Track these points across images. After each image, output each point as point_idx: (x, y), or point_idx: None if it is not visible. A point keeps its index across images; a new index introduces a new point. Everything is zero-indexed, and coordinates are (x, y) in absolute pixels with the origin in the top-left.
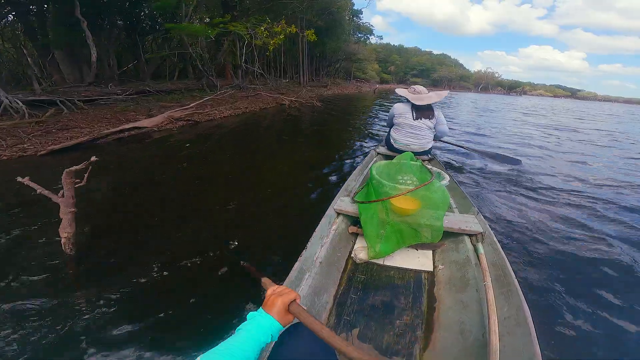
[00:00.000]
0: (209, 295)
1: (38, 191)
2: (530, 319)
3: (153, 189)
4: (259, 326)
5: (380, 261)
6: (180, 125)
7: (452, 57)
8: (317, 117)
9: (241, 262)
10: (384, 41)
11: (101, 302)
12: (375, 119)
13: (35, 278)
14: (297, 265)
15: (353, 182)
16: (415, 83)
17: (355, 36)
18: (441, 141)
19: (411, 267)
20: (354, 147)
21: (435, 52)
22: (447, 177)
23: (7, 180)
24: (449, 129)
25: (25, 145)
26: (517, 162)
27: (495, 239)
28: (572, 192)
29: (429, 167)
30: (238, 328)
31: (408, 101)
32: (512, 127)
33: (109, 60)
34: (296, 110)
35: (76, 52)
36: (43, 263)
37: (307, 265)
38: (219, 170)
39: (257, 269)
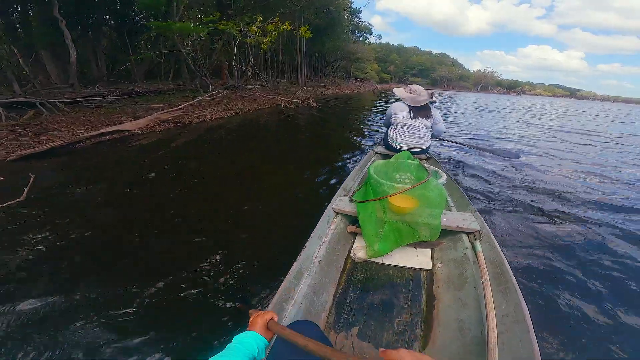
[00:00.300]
0: (202, 305)
1: None
2: (528, 316)
3: (129, 197)
4: (245, 341)
5: (379, 260)
6: (167, 128)
7: (452, 57)
8: (314, 117)
9: (236, 304)
10: (384, 41)
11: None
12: (374, 120)
13: None
14: (295, 264)
15: (351, 181)
16: (414, 83)
17: (354, 35)
18: (439, 139)
19: (410, 266)
20: (352, 148)
21: (434, 51)
22: (444, 176)
23: None
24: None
25: None
26: (516, 156)
27: (492, 236)
28: (571, 190)
29: (426, 165)
30: (227, 346)
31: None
32: (519, 130)
33: (97, 60)
34: (292, 111)
35: (62, 52)
36: None
37: (306, 265)
38: (206, 174)
39: (247, 305)
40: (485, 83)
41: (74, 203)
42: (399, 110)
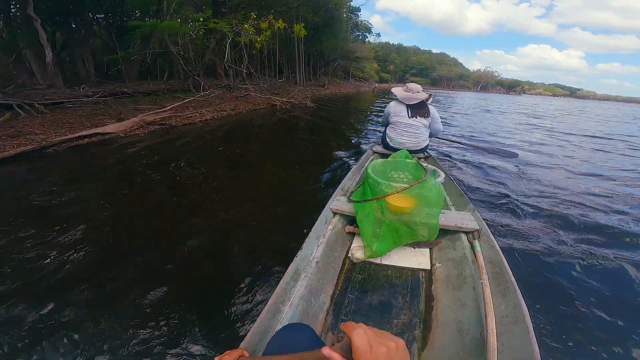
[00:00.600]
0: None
1: None
2: (528, 317)
3: (97, 206)
4: None
5: (377, 260)
6: (151, 131)
7: (451, 56)
8: (310, 118)
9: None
10: (383, 40)
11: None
12: (372, 120)
13: None
14: (292, 265)
15: (349, 181)
16: (413, 82)
17: (353, 34)
18: (437, 138)
19: (408, 266)
20: (350, 147)
21: (434, 51)
22: (443, 175)
23: None
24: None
25: None
26: (514, 155)
27: (492, 236)
28: (571, 189)
29: (424, 164)
30: None
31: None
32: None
33: (84, 60)
34: (288, 112)
35: (44, 51)
36: None
37: (303, 266)
38: (189, 179)
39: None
40: (485, 82)
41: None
42: (397, 110)
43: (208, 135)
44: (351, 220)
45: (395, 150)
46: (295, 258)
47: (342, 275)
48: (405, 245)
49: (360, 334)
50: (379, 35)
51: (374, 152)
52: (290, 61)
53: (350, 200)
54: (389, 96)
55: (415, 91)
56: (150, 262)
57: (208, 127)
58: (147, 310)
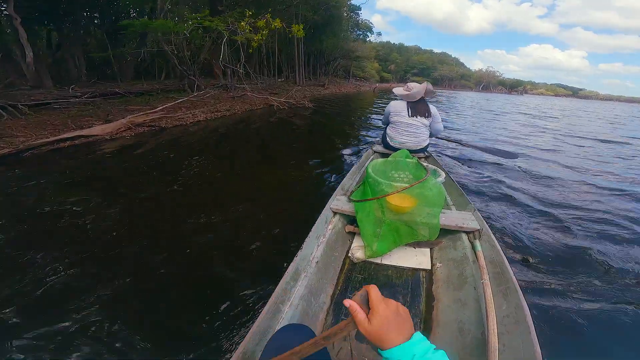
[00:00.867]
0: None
1: None
2: (529, 318)
3: (69, 214)
4: None
5: (377, 260)
6: (140, 133)
7: (453, 56)
8: (308, 119)
9: None
10: (384, 39)
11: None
12: (373, 121)
13: None
14: (292, 265)
15: (349, 180)
16: (414, 81)
17: (354, 33)
18: (438, 138)
19: (409, 266)
20: (350, 148)
21: (435, 50)
22: (443, 174)
23: None
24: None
25: None
26: (514, 155)
27: (492, 236)
28: (573, 189)
29: (425, 164)
30: None
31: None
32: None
33: (75, 60)
34: (286, 113)
35: (35, 52)
36: None
37: (303, 266)
38: (178, 182)
39: None
40: (487, 82)
41: None
42: (397, 109)
43: (199, 137)
44: (351, 219)
45: (395, 149)
46: (295, 258)
47: (342, 275)
48: (406, 245)
49: (376, 289)
50: (380, 34)
51: (374, 152)
52: (290, 60)
53: (350, 200)
54: (389, 96)
55: (415, 89)
56: (147, 263)
57: (200, 129)
58: (144, 311)
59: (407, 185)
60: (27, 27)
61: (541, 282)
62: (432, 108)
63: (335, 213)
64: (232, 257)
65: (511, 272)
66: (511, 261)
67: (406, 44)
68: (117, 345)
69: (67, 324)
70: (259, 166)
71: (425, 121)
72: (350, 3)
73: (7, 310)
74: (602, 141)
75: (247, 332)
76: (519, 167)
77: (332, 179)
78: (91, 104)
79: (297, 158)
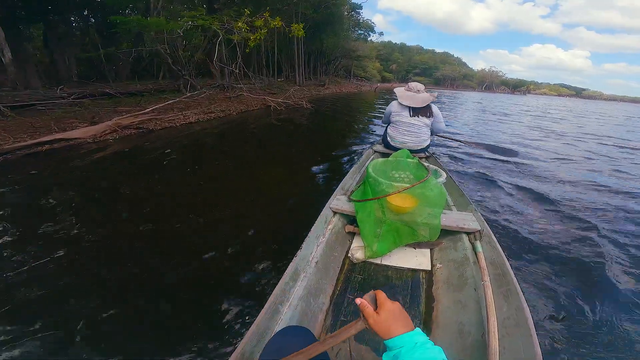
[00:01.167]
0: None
1: None
2: (530, 320)
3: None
4: None
5: (377, 260)
6: (125, 135)
7: (455, 56)
8: (308, 119)
9: None
10: (386, 39)
11: None
12: (373, 121)
13: None
14: (291, 265)
15: (350, 180)
16: (416, 81)
17: (355, 33)
18: (437, 135)
19: (409, 267)
20: (350, 149)
21: (437, 50)
22: (444, 174)
23: None
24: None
25: None
26: (514, 153)
27: (493, 237)
28: (577, 191)
29: (426, 164)
30: None
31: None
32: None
33: (65, 60)
34: (284, 113)
35: (21, 51)
36: None
37: (303, 266)
38: (165, 189)
39: None
40: (490, 82)
41: None
42: (398, 108)
43: (189, 139)
44: (351, 219)
45: (396, 149)
46: (294, 258)
47: (341, 276)
48: (406, 245)
49: (382, 292)
50: (382, 34)
51: (375, 152)
52: (290, 60)
53: (350, 200)
54: (390, 96)
55: (415, 90)
56: (146, 264)
57: (190, 132)
58: (142, 312)
59: (408, 185)
60: (9, 26)
61: (543, 284)
62: (434, 107)
63: (335, 213)
64: (231, 258)
65: (512, 273)
66: (512, 263)
67: (408, 43)
68: (116, 345)
69: (64, 325)
70: (253, 168)
71: (427, 121)
72: (351, 2)
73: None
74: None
75: (246, 332)
76: (522, 167)
77: (332, 180)
78: (78, 105)
79: (295, 158)
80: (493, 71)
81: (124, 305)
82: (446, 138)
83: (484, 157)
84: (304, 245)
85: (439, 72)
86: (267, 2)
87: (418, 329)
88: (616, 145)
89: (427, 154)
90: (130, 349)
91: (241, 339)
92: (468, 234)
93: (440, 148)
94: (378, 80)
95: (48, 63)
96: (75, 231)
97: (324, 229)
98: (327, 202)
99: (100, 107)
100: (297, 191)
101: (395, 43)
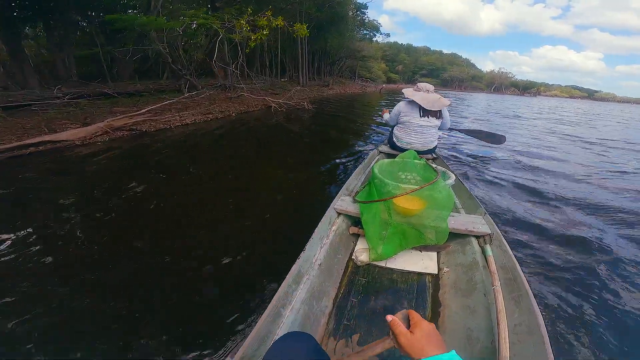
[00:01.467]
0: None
1: None
2: (543, 327)
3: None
4: None
5: (382, 263)
6: (117, 137)
7: (463, 57)
8: (311, 121)
9: None
10: (392, 40)
11: None
12: (378, 124)
13: None
14: (294, 267)
15: (354, 181)
16: (423, 82)
17: (360, 33)
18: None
19: (414, 270)
20: (353, 152)
21: (445, 51)
22: (453, 176)
23: None
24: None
25: None
26: (502, 139)
27: (504, 240)
28: (597, 197)
29: (434, 165)
30: None
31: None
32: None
33: (64, 59)
34: (286, 114)
35: (19, 51)
36: None
37: (306, 268)
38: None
39: None
40: (499, 84)
41: None
42: (407, 109)
43: (182, 142)
44: (356, 221)
45: (402, 150)
46: (297, 260)
47: (345, 278)
48: (412, 248)
49: (415, 312)
50: (388, 35)
51: (380, 152)
52: (294, 60)
53: (355, 201)
54: (395, 98)
55: (425, 90)
56: (146, 265)
57: (185, 133)
58: (142, 313)
59: (416, 187)
60: (7, 25)
61: (557, 290)
62: (444, 109)
63: (339, 214)
64: (233, 259)
65: (524, 278)
66: (524, 267)
67: (415, 44)
68: (115, 346)
69: (61, 327)
70: (248, 170)
71: (437, 122)
72: (356, 1)
73: None
74: None
75: (247, 336)
76: (538, 169)
77: (333, 181)
78: (73, 106)
79: (294, 160)
80: (502, 72)
81: (117, 308)
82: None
83: (494, 158)
84: (307, 246)
85: (447, 73)
86: (270, 1)
87: (453, 351)
88: None
89: (434, 155)
90: (128, 351)
91: (242, 342)
92: (477, 237)
93: (443, 150)
94: (383, 81)
95: (50, 63)
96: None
97: (328, 230)
98: (330, 203)
99: (95, 107)
100: (298, 193)
101: (402, 44)
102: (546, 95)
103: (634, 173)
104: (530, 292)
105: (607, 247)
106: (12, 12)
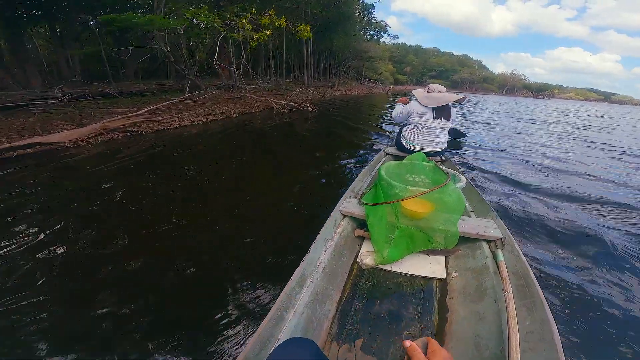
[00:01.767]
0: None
1: None
2: (557, 335)
3: None
4: None
5: (387, 267)
6: (110, 139)
7: (474, 59)
8: (313, 123)
9: None
10: (400, 41)
11: None
12: (383, 126)
13: None
14: (298, 270)
15: (360, 182)
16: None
17: (367, 34)
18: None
19: (421, 274)
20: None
21: (455, 53)
22: (464, 179)
23: None
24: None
25: None
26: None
27: (517, 245)
28: (618, 203)
29: (443, 168)
30: None
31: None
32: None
33: (68, 59)
34: (288, 116)
35: (21, 50)
36: None
37: (310, 271)
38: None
39: None
40: (512, 86)
41: None
42: (420, 110)
43: (175, 145)
44: (361, 223)
45: (410, 152)
46: (301, 262)
47: (349, 282)
48: (419, 252)
49: (434, 340)
50: (396, 37)
51: (387, 154)
52: (299, 60)
53: (361, 203)
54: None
55: (437, 91)
56: (147, 266)
57: (181, 135)
58: (143, 314)
59: (425, 189)
60: (10, 25)
61: (572, 299)
62: (453, 110)
63: (344, 216)
64: (236, 260)
65: (537, 285)
66: (537, 274)
67: (423, 45)
68: (114, 348)
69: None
70: (243, 173)
71: (448, 124)
72: (363, 2)
73: None
74: None
75: (248, 340)
76: (552, 171)
77: (334, 184)
78: (72, 106)
79: (294, 163)
80: (515, 74)
81: (123, 305)
82: None
83: (503, 160)
84: (311, 248)
85: (457, 74)
86: (274, 0)
87: None
88: None
89: (443, 157)
90: (128, 353)
91: (243, 346)
92: (488, 241)
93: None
94: (391, 83)
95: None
96: None
97: (333, 233)
98: (334, 206)
99: (94, 107)
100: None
101: (410, 45)
102: (560, 98)
103: None
104: (543, 299)
105: (631, 259)
106: (14, 12)
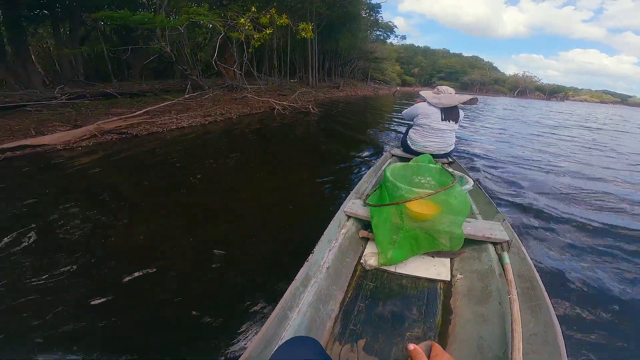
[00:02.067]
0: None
1: None
2: (560, 338)
3: None
4: None
5: (391, 268)
6: (104, 142)
7: (485, 60)
8: (315, 125)
9: None
10: (408, 42)
11: None
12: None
13: None
14: (302, 270)
15: (365, 184)
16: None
17: (373, 34)
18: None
19: (426, 276)
20: (364, 153)
21: (465, 54)
22: (471, 182)
23: None
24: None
25: None
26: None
27: (523, 248)
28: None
29: (450, 170)
30: None
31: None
32: None
33: (70, 59)
34: (289, 117)
35: (23, 50)
36: None
37: (313, 271)
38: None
39: None
40: (524, 88)
41: None
42: (428, 111)
43: (170, 148)
44: (365, 224)
45: (417, 153)
46: (305, 262)
47: (352, 283)
48: (424, 253)
49: (437, 344)
50: (404, 37)
51: (392, 155)
52: (304, 60)
53: (366, 204)
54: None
55: (447, 93)
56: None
57: (178, 137)
58: (144, 314)
59: (431, 191)
60: (12, 25)
61: (579, 304)
62: (461, 113)
63: (349, 217)
64: (241, 260)
65: (543, 288)
66: (544, 277)
67: (432, 47)
68: (115, 347)
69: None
70: (240, 179)
71: (455, 126)
72: (369, 1)
73: None
74: None
75: (254, 338)
76: (564, 171)
77: (337, 186)
78: (71, 106)
79: (295, 167)
80: (527, 76)
81: (124, 306)
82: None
83: (512, 160)
84: (315, 249)
85: (467, 76)
86: None
87: None
88: None
89: (450, 159)
90: (131, 352)
91: (248, 343)
92: (494, 244)
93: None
94: (398, 84)
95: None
96: None
97: (337, 233)
98: (340, 205)
99: (92, 108)
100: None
101: (418, 46)
102: (574, 100)
103: None
104: (549, 302)
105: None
106: (16, 12)
